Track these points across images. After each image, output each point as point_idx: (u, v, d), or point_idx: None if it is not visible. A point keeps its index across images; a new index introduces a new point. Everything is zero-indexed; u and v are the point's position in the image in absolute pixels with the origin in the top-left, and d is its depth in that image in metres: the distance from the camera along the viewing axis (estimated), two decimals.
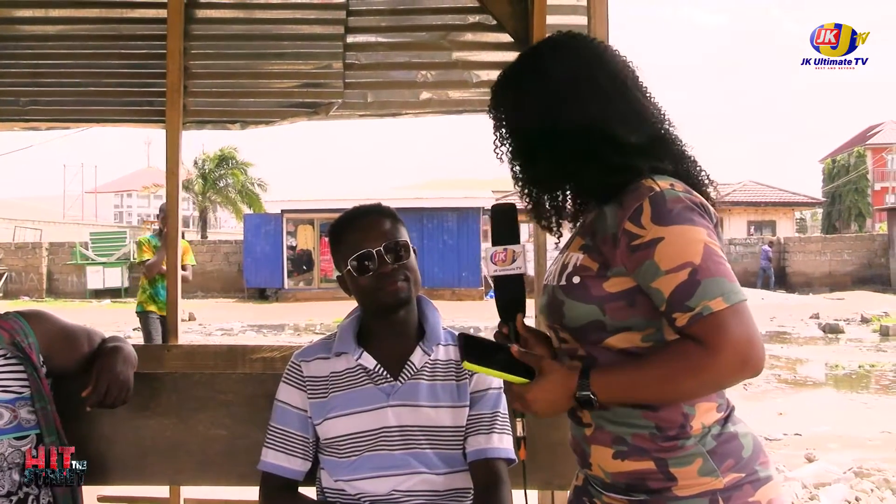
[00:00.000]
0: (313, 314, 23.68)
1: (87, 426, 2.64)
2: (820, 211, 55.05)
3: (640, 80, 1.83)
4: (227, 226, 61.86)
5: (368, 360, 2.30)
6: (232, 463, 2.69)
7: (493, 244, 1.90)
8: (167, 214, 4.03)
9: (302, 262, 30.25)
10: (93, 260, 32.45)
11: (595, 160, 1.73)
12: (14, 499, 2.31)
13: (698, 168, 1.82)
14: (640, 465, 1.72)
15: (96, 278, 31.84)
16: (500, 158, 1.90)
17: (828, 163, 57.63)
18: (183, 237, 8.19)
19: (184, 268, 8.44)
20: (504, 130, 1.88)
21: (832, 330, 18.40)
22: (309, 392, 2.33)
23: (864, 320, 20.32)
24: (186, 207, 61.46)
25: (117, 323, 20.38)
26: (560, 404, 1.72)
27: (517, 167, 1.88)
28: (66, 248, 33.30)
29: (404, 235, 2.32)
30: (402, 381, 2.29)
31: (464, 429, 2.31)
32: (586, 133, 1.74)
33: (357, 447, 2.26)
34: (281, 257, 29.74)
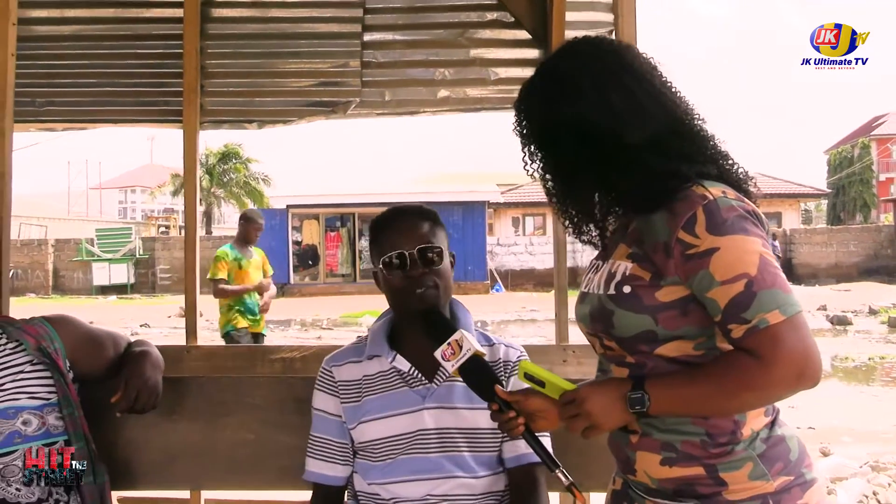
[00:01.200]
0: (319, 309, 23.66)
1: (113, 431, 2.63)
2: (825, 202, 54.96)
3: (667, 79, 1.79)
4: (231, 221, 61.82)
5: (403, 363, 2.28)
6: (260, 468, 2.68)
7: (437, 345, 1.97)
8: (185, 213, 4.00)
9: (307, 257, 30.30)
10: (99, 256, 32.50)
11: (637, 167, 1.70)
12: None
13: (735, 165, 1.78)
14: (689, 471, 1.70)
15: (102, 274, 31.91)
16: (532, 175, 1.87)
17: (833, 154, 57.53)
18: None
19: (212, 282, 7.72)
20: (533, 146, 1.85)
21: (840, 322, 18.36)
22: (342, 397, 2.31)
23: (872, 312, 20.29)
24: None
25: (124, 319, 20.44)
26: (616, 408, 1.69)
27: (551, 183, 1.85)
28: (72, 245, 33.36)
29: (441, 240, 2.30)
30: (438, 383, 2.28)
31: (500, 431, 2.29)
32: (625, 140, 1.70)
33: (392, 450, 2.25)
34: (286, 252, 29.74)
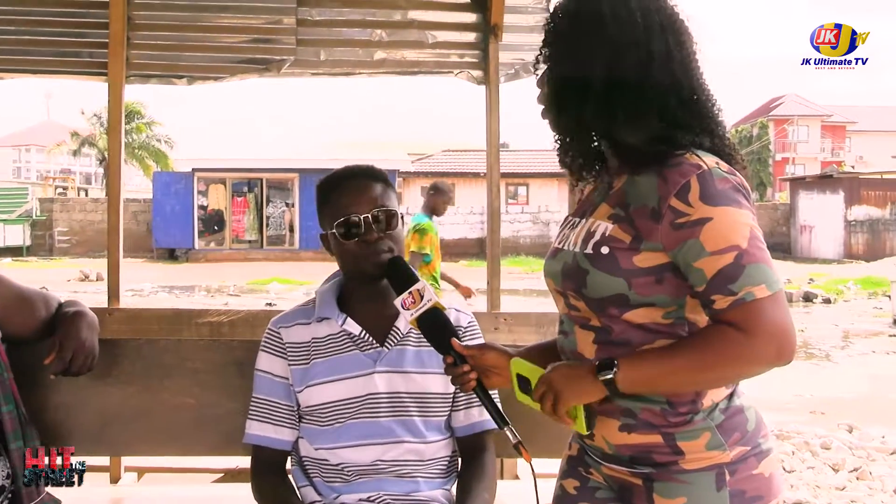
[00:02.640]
0: (225, 275, 23.30)
1: (44, 394, 2.53)
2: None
3: (694, 36, 1.75)
4: (132, 183, 60.27)
5: (353, 326, 2.24)
6: (200, 433, 2.61)
7: (398, 294, 1.97)
8: (109, 171, 3.85)
9: (213, 222, 29.85)
10: None
11: (648, 118, 1.67)
12: None
13: (727, 138, 1.77)
14: (647, 438, 1.70)
15: None
16: (541, 101, 1.82)
17: (732, 133, 58.40)
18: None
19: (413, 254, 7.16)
20: (550, 71, 1.78)
21: None
22: (290, 359, 2.26)
23: None
24: (89, 163, 59.66)
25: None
26: (581, 376, 1.67)
27: (557, 113, 1.79)
28: None
29: (394, 203, 2.25)
30: (389, 346, 2.24)
31: (451, 396, 2.28)
32: (645, 90, 1.67)
33: (341, 414, 2.21)
34: (191, 217, 29.21)
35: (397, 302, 1.95)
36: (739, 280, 1.55)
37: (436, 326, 1.94)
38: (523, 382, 1.81)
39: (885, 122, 62.53)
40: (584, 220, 1.79)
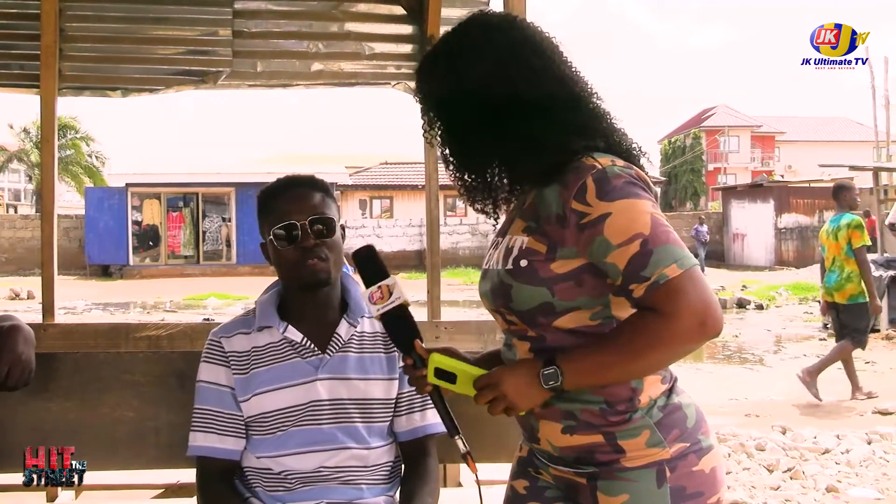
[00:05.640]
0: (161, 291, 22.94)
1: None
2: (658, 190, 57.35)
3: (567, 56, 1.83)
4: (63, 199, 59.07)
5: (295, 334, 2.24)
6: (141, 445, 2.57)
7: (366, 286, 1.89)
8: (42, 185, 3.79)
9: (148, 238, 29.40)
10: None
11: (532, 140, 1.73)
12: None
13: (629, 140, 1.83)
14: (589, 438, 1.74)
15: None
16: (430, 143, 1.88)
17: (665, 144, 60.13)
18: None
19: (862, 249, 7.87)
20: (433, 113, 1.84)
21: None
22: (234, 368, 2.25)
23: None
24: (18, 179, 58.29)
25: None
26: (531, 386, 1.71)
27: (448, 149, 1.85)
28: None
29: (333, 212, 2.27)
30: (331, 353, 2.25)
31: (394, 401, 2.30)
32: (521, 113, 1.73)
33: (284, 422, 2.21)
34: (126, 232, 28.73)
35: (365, 294, 1.87)
36: (650, 265, 1.59)
37: (401, 325, 1.88)
38: (444, 375, 1.81)
39: (812, 132, 64.19)
40: (504, 239, 1.85)
